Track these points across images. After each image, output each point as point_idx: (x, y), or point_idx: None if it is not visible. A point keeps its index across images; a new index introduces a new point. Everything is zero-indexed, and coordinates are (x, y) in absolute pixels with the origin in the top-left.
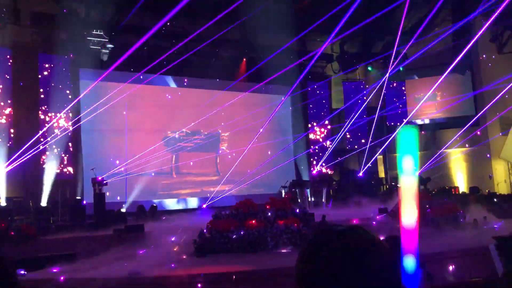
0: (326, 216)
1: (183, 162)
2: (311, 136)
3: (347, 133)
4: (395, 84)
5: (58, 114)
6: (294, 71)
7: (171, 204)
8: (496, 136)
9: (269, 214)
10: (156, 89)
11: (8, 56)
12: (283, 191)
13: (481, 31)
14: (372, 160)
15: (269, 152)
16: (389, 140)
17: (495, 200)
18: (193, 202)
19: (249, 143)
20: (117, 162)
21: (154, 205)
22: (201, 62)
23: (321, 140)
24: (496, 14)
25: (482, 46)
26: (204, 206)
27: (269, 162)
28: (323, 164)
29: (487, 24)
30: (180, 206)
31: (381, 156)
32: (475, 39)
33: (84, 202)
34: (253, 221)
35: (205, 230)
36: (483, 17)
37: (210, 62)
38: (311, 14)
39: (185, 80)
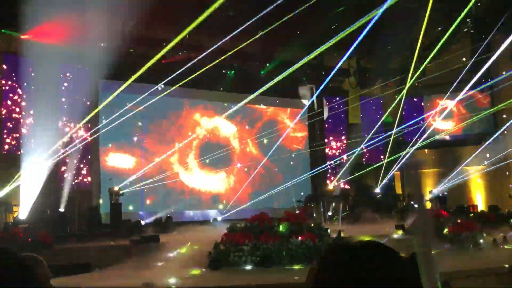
0: (342, 231)
1: (199, 174)
2: (328, 151)
3: (364, 148)
4: (413, 100)
5: (77, 125)
6: (311, 85)
7: (186, 215)
8: None
9: (284, 229)
10: (173, 101)
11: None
12: (299, 205)
13: (501, 48)
14: (388, 176)
15: (285, 166)
16: (407, 156)
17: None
18: (208, 214)
19: (265, 156)
20: (134, 173)
21: (170, 216)
22: (218, 75)
23: (338, 154)
24: None
25: (501, 64)
26: (219, 218)
27: (285, 176)
28: (338, 178)
29: (507, 42)
30: (195, 218)
31: (398, 172)
32: (494, 56)
33: (101, 212)
34: (268, 236)
35: (219, 242)
36: (503, 34)
37: (227, 75)
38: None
39: (201, 92)
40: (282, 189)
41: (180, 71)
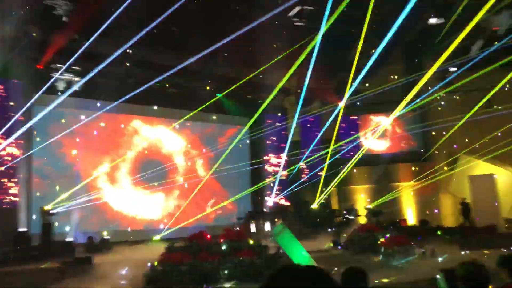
0: (280, 248)
1: (136, 192)
2: (268, 167)
3: (303, 165)
4: (349, 118)
5: (7, 140)
6: (252, 103)
7: (123, 235)
8: (444, 172)
9: (224, 247)
10: (111, 117)
11: None
12: (239, 222)
13: (430, 71)
14: (326, 192)
15: (225, 183)
16: (343, 172)
17: (438, 232)
18: (147, 234)
19: (206, 174)
20: (67, 191)
21: (105, 236)
22: (160, 91)
23: (277, 171)
24: (445, 55)
25: (431, 85)
26: (158, 238)
27: (225, 193)
28: (277, 195)
29: (436, 64)
30: (133, 238)
31: (335, 188)
32: (424, 78)
33: (28, 231)
34: (207, 254)
35: (156, 263)
36: (434, 57)
37: (170, 92)
38: (270, 49)
39: (142, 108)
40: (222, 206)
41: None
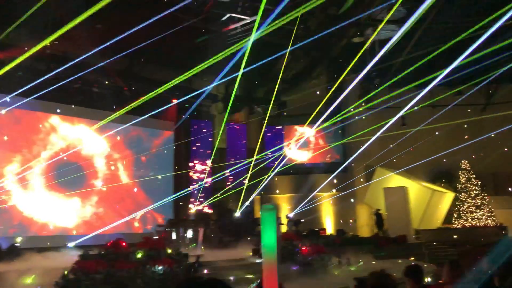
0: (200, 257)
1: (50, 195)
2: (192, 174)
3: (228, 173)
4: (275, 128)
5: None
6: (179, 107)
7: (33, 241)
8: (361, 183)
9: (140, 255)
10: (24, 114)
11: None
12: (159, 230)
13: (350, 86)
14: (249, 200)
15: (147, 189)
16: (266, 180)
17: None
18: (58, 240)
19: (127, 179)
20: None
21: (15, 243)
22: (80, 90)
23: (202, 178)
24: (364, 72)
25: (352, 100)
26: (72, 245)
27: (147, 199)
28: (200, 202)
29: (356, 80)
30: (44, 244)
31: (258, 197)
32: (345, 92)
33: None
34: (124, 263)
35: (68, 272)
36: (355, 73)
37: (90, 91)
38: (201, 53)
39: (58, 107)
40: (143, 213)
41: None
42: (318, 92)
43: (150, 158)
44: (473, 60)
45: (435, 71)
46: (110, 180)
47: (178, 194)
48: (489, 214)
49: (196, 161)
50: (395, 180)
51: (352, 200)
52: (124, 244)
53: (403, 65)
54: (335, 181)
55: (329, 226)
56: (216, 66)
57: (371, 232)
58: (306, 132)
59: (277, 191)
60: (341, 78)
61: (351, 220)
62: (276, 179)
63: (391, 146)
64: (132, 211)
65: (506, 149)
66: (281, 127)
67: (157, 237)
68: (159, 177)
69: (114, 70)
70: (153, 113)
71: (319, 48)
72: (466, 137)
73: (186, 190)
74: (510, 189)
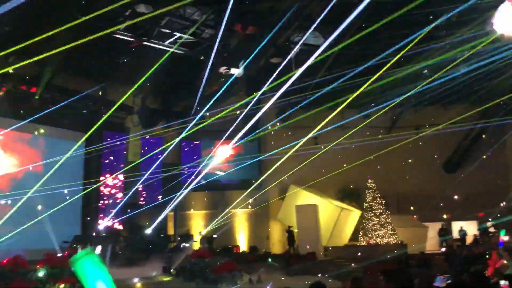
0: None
1: None
2: (103, 188)
3: (141, 188)
4: (192, 143)
5: None
6: (91, 118)
7: None
8: (275, 200)
9: (41, 273)
10: None
11: None
12: (64, 246)
13: (268, 105)
14: (162, 216)
15: (51, 203)
16: (180, 197)
17: (269, 259)
18: None
19: (30, 190)
20: None
21: None
22: None
23: (113, 193)
24: (280, 92)
25: (269, 118)
26: None
27: (52, 214)
28: (111, 218)
29: (272, 100)
30: None
31: (172, 213)
32: (261, 111)
33: None
34: (22, 282)
35: None
36: (272, 92)
37: None
38: (117, 63)
39: None
40: (46, 228)
41: None
42: (238, 112)
43: (58, 170)
44: (380, 86)
45: (347, 94)
46: (9, 191)
47: (86, 208)
48: (392, 232)
49: (107, 175)
50: (307, 197)
51: (266, 217)
52: (23, 261)
53: (318, 87)
54: (250, 198)
55: (242, 243)
56: (133, 77)
57: (283, 249)
58: (223, 148)
59: (192, 208)
60: (257, 96)
61: (264, 237)
62: (191, 195)
63: (304, 164)
64: (34, 225)
65: (407, 176)
66: (198, 142)
67: (61, 254)
68: (66, 191)
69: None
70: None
71: (238, 66)
72: (372, 158)
73: (95, 204)
74: (411, 208)
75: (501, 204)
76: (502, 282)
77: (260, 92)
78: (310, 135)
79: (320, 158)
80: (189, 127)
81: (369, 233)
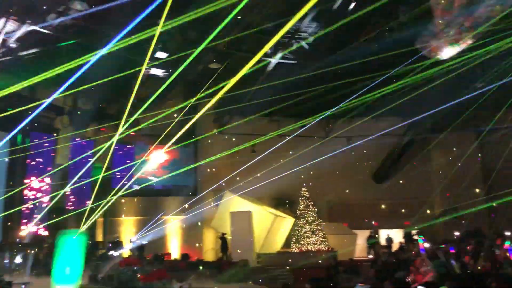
0: (27, 285)
1: None
2: (28, 191)
3: (69, 192)
4: (125, 147)
5: None
6: (17, 118)
7: None
8: (209, 207)
9: None
10: None
11: None
12: None
13: (202, 111)
14: (90, 222)
15: None
16: (110, 202)
17: (200, 267)
18: None
19: None
20: None
21: None
22: None
23: (38, 196)
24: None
25: (206, 124)
26: None
27: None
28: (36, 223)
29: (208, 105)
30: None
31: (101, 219)
32: (196, 117)
33: None
34: None
35: None
36: (210, 97)
37: None
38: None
39: None
40: None
41: None
42: (175, 115)
43: None
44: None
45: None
46: None
47: (7, 213)
48: (323, 239)
49: (33, 178)
50: (242, 204)
51: (200, 224)
52: None
53: (256, 95)
54: (185, 204)
55: (175, 250)
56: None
57: (216, 256)
58: (158, 153)
59: (123, 214)
60: (192, 101)
61: (197, 244)
62: (123, 200)
63: (240, 171)
64: None
65: (339, 185)
66: (132, 146)
67: None
68: None
69: None
70: None
71: (174, 70)
72: (308, 166)
73: (18, 208)
74: (342, 216)
75: (426, 212)
76: None
77: (195, 98)
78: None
79: (256, 166)
80: (121, 130)
81: (301, 240)
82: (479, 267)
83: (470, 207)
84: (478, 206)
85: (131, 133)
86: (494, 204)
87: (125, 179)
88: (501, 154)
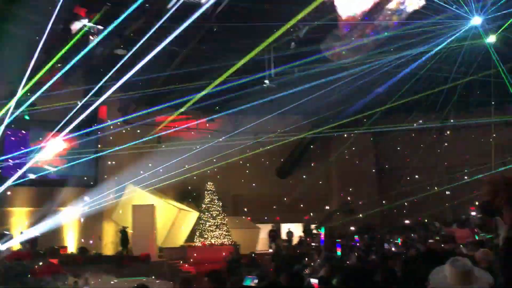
0: None
1: None
2: None
3: None
4: (19, 132)
5: None
6: None
7: None
8: (111, 199)
9: None
10: None
11: None
12: None
13: (105, 96)
14: None
15: None
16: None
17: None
18: None
19: None
20: None
21: None
22: None
23: None
24: (118, 85)
25: (110, 113)
26: None
27: None
28: None
29: (109, 92)
30: None
31: None
32: (97, 103)
33: None
34: None
35: None
36: (112, 82)
37: None
38: None
39: None
40: None
41: None
42: (77, 102)
43: None
44: (224, 90)
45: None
46: None
47: None
48: (226, 233)
49: None
50: (145, 197)
51: (99, 216)
52: None
53: (165, 84)
54: (84, 196)
55: (71, 243)
56: None
57: (116, 250)
58: (55, 140)
59: (13, 205)
60: (96, 88)
61: (96, 238)
62: (14, 190)
63: (144, 162)
64: None
65: (244, 179)
66: (27, 132)
67: None
68: None
69: None
70: None
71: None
72: (215, 160)
73: None
74: (245, 209)
75: (325, 208)
76: (313, 281)
77: (99, 84)
78: (152, 134)
79: (162, 158)
80: (14, 113)
81: (205, 234)
82: (369, 260)
83: (363, 205)
84: (371, 203)
85: (25, 118)
86: (384, 202)
87: (18, 167)
88: (393, 155)
